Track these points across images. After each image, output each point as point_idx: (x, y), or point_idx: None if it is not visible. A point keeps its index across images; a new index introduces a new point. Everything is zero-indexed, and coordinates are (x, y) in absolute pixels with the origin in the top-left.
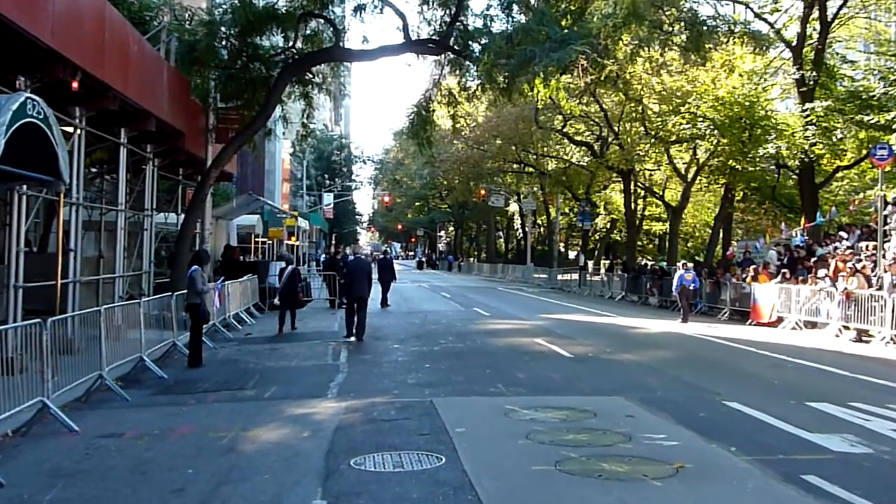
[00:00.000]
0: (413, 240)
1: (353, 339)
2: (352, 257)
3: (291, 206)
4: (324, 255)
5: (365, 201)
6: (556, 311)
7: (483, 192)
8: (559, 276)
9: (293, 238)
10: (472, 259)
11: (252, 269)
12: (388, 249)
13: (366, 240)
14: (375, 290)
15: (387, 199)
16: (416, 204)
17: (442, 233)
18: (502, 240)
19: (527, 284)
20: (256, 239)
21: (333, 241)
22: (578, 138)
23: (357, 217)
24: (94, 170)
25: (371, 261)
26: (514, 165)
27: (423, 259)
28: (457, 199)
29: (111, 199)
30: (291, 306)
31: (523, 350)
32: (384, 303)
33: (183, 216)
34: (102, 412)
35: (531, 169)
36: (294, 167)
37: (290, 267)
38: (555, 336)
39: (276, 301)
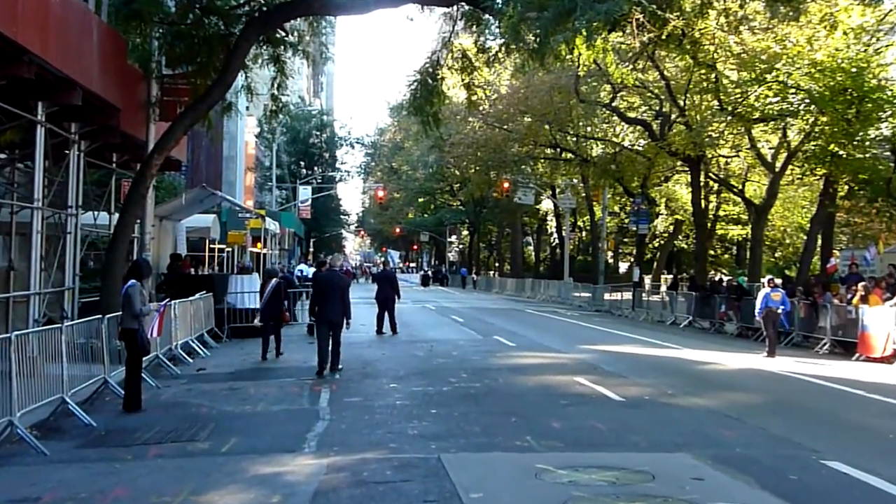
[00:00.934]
0: (415, 247)
1: (328, 374)
2: (338, 268)
3: (257, 203)
4: (303, 267)
5: (353, 196)
6: (602, 341)
7: (507, 184)
8: (606, 295)
9: (259, 244)
10: (492, 273)
11: (206, 284)
12: (388, 260)
13: (353, 246)
14: (367, 315)
15: (381, 193)
16: (420, 200)
17: (453, 238)
18: (532, 247)
19: (564, 305)
20: (212, 245)
21: (312, 249)
22: (632, 115)
23: (342, 217)
24: (2, 156)
25: (352, 275)
26: (548, 150)
27: (430, 272)
28: (472, 195)
29: (25, 193)
30: (277, 328)
31: (559, 392)
32: (389, 328)
33: (117, 216)
34: (13, 469)
35: (570, 155)
36: (261, 152)
37: (273, 280)
38: (601, 374)
39: (258, 321)
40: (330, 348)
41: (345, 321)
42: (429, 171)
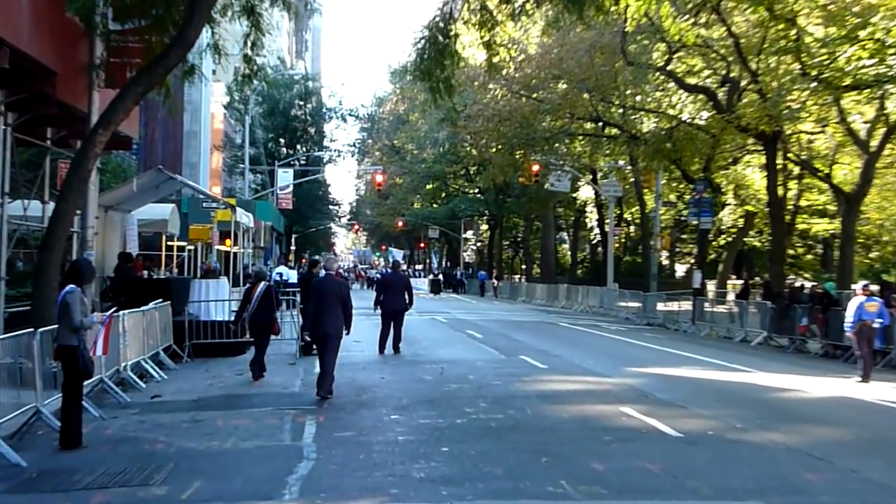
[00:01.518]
0: (422, 245)
1: (316, 401)
2: (322, 274)
3: (226, 191)
4: (283, 270)
5: (345, 182)
6: (654, 363)
7: (537, 167)
8: (660, 305)
9: (228, 241)
10: (517, 277)
11: (163, 291)
12: (397, 260)
13: (345, 244)
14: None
15: (380, 178)
16: (428, 187)
17: (469, 234)
18: (567, 246)
19: (607, 318)
20: (170, 243)
21: (294, 247)
22: (692, 81)
23: (332, 208)
24: None
25: (344, 279)
26: (588, 125)
27: (440, 276)
28: (493, 180)
29: None
30: (263, 343)
31: (601, 425)
32: (393, 346)
33: (52, 205)
34: None
35: (615, 130)
36: (231, 127)
37: (262, 284)
38: (653, 403)
39: (248, 335)
40: (321, 365)
41: (344, 331)
42: (439, 150)
